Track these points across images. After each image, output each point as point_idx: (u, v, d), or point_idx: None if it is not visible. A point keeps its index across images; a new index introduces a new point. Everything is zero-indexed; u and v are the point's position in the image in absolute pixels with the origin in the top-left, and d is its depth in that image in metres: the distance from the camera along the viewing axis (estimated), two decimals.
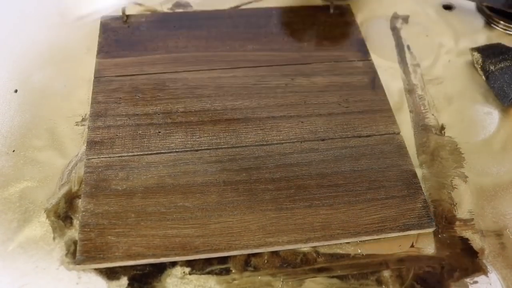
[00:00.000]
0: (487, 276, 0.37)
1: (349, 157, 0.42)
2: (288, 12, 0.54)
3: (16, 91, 0.45)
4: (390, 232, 0.38)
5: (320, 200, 0.39)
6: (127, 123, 0.43)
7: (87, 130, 0.43)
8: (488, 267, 0.38)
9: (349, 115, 0.45)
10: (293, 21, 0.54)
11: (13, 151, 0.41)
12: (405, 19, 0.57)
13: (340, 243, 0.38)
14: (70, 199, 0.39)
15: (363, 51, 0.51)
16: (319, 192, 0.39)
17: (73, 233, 0.37)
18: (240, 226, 0.37)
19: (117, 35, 0.51)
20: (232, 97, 0.45)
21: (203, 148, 0.42)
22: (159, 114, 0.44)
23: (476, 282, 0.37)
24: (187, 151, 0.41)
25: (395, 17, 0.57)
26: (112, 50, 0.49)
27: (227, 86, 0.46)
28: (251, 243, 0.36)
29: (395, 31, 0.55)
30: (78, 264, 0.35)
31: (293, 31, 0.52)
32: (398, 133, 0.44)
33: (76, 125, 0.44)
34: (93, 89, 0.45)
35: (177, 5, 0.56)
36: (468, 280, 0.37)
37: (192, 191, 0.39)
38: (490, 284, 0.37)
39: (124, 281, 0.35)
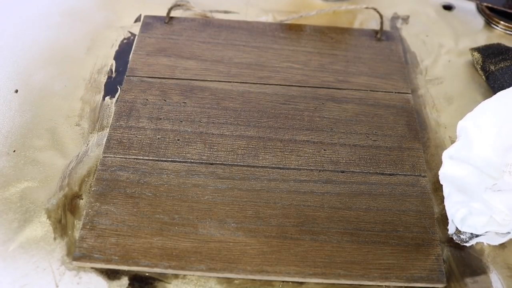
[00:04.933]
0: (488, 276, 0.36)
1: (366, 194, 0.40)
2: (332, 33, 0.53)
3: (16, 91, 0.46)
4: (395, 281, 0.36)
5: (327, 235, 0.37)
6: (148, 126, 0.43)
7: (87, 130, 0.44)
8: (489, 267, 0.37)
9: (375, 149, 0.43)
10: (335, 42, 0.52)
11: (14, 151, 0.42)
12: (405, 19, 0.57)
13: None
14: (70, 199, 0.39)
15: (403, 83, 0.48)
16: (328, 227, 0.38)
17: (74, 233, 0.38)
18: (240, 249, 0.36)
19: (156, 35, 0.51)
20: (257, 114, 0.45)
21: (218, 162, 0.41)
22: (181, 121, 0.44)
23: (476, 281, 0.36)
24: (201, 163, 0.41)
25: (395, 17, 0.57)
26: (148, 50, 0.49)
27: (255, 102, 0.45)
28: (247, 268, 0.35)
29: (395, 31, 0.55)
30: (75, 260, 0.35)
31: (333, 52, 0.51)
32: (424, 176, 0.41)
33: (77, 125, 0.44)
34: (122, 87, 0.46)
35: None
36: (468, 280, 0.36)
37: (198, 205, 0.38)
38: (491, 284, 0.36)
39: (125, 281, 0.35)
